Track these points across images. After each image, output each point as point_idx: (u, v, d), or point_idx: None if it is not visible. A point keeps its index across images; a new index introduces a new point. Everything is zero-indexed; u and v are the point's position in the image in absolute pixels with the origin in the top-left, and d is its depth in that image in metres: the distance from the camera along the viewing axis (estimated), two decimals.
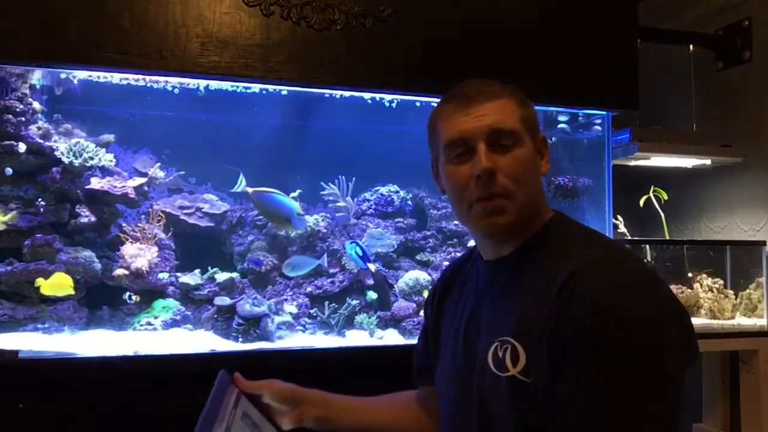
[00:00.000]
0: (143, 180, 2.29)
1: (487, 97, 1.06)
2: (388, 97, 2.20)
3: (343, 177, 2.52)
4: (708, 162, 2.48)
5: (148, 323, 2.07)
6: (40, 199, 2.07)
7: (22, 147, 2.03)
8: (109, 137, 2.26)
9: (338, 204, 2.53)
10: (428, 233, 2.60)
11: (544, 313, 0.95)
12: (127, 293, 2.13)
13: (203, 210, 2.40)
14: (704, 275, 2.42)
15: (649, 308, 0.92)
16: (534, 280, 1.03)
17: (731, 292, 2.44)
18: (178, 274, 2.26)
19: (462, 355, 1.11)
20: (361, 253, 2.27)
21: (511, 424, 0.98)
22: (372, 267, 2.29)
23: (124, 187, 2.21)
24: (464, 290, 1.21)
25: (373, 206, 2.61)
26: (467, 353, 1.10)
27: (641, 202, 2.58)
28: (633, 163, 2.47)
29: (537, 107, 1.15)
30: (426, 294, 2.34)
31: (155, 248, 2.19)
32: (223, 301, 2.12)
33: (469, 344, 1.10)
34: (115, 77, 2.00)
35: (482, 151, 1.03)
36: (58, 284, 1.99)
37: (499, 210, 1.03)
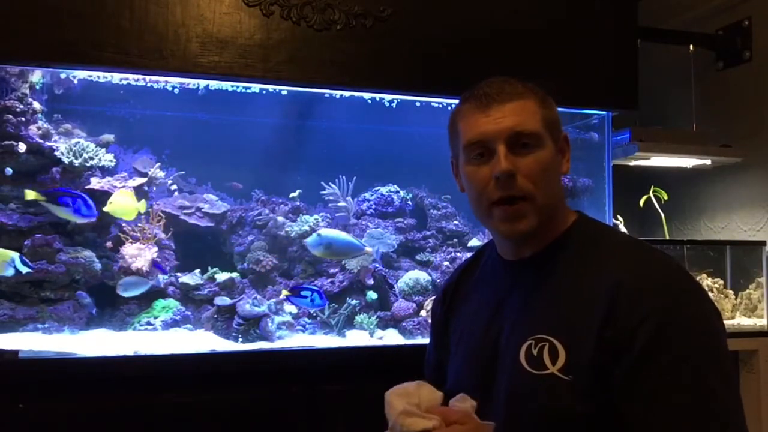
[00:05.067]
0: (143, 180, 2.29)
1: (508, 97, 1.05)
2: (388, 97, 2.20)
3: (343, 177, 2.52)
4: (708, 162, 2.48)
5: (148, 323, 2.06)
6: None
7: (22, 147, 2.02)
8: (109, 137, 2.26)
9: (338, 204, 2.53)
10: (428, 233, 2.60)
11: (593, 313, 0.96)
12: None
13: (203, 210, 2.39)
14: (704, 275, 2.41)
15: (711, 306, 0.98)
16: (572, 280, 1.03)
17: (731, 292, 2.45)
18: (178, 274, 2.26)
19: (482, 353, 1.10)
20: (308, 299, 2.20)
21: (540, 422, 0.98)
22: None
23: (124, 187, 2.21)
24: (478, 290, 1.20)
25: (373, 206, 2.60)
26: (489, 352, 1.09)
27: (641, 202, 2.58)
28: (633, 163, 2.47)
29: None
30: (427, 294, 2.34)
31: (155, 248, 2.18)
32: (223, 301, 2.12)
33: (492, 342, 1.09)
34: (115, 77, 2.00)
35: (502, 153, 1.02)
36: (122, 208, 2.01)
37: (520, 215, 1.03)
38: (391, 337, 2.21)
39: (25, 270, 1.92)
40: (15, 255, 1.91)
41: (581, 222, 1.12)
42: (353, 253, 2.32)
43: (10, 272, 1.91)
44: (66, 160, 2.09)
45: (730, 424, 0.89)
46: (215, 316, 2.11)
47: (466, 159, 1.08)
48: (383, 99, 2.21)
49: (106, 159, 2.19)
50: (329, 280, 2.35)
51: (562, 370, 0.96)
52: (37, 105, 2.11)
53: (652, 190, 2.56)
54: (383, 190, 2.65)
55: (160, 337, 2.01)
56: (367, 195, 2.63)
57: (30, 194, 1.98)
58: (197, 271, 2.28)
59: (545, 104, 1.09)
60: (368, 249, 2.31)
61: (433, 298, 2.05)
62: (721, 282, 2.43)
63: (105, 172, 2.23)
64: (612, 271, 0.98)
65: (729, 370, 0.93)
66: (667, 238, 2.58)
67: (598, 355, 0.93)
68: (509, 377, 1.03)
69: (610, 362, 0.93)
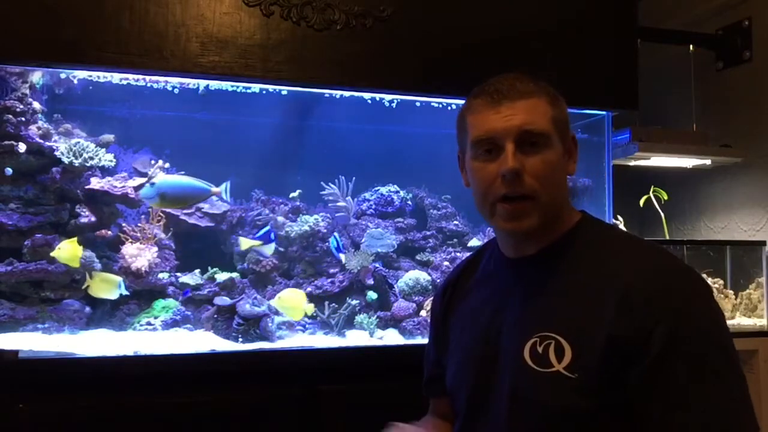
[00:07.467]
0: (143, 180, 2.28)
1: (519, 95, 1.04)
2: (388, 97, 2.20)
3: (343, 177, 2.52)
4: (708, 162, 2.48)
5: (148, 323, 2.06)
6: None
7: (22, 147, 2.02)
8: (109, 137, 2.25)
9: (338, 204, 2.53)
10: (428, 233, 2.60)
11: (601, 313, 0.96)
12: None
13: (203, 210, 2.39)
14: (704, 275, 2.42)
15: (717, 304, 1.00)
16: (578, 279, 1.03)
17: (731, 292, 2.45)
18: (178, 274, 2.26)
19: (482, 350, 1.11)
20: (336, 245, 2.32)
21: (545, 419, 0.98)
22: (342, 257, 2.33)
23: (124, 187, 2.21)
24: (479, 287, 1.20)
25: (373, 206, 2.60)
26: (490, 349, 1.09)
27: (641, 202, 2.58)
28: (633, 163, 2.47)
29: None
30: (427, 294, 2.34)
31: (155, 248, 2.19)
32: (223, 301, 2.12)
33: (492, 339, 1.09)
34: (115, 77, 2.00)
35: (510, 151, 1.02)
36: (69, 256, 1.99)
37: (523, 213, 1.04)
38: (391, 337, 2.21)
39: (125, 292, 2.07)
40: (120, 279, 2.06)
41: (586, 222, 1.13)
42: (199, 197, 2.14)
43: (116, 294, 2.05)
44: (66, 160, 2.09)
45: (746, 423, 0.93)
46: (215, 316, 2.11)
47: (473, 155, 1.08)
48: (383, 99, 2.21)
49: (106, 159, 2.19)
50: (329, 280, 2.35)
51: (568, 368, 0.97)
52: (37, 105, 2.11)
53: (652, 190, 2.56)
54: (383, 190, 2.64)
55: (160, 337, 2.01)
56: (367, 195, 2.63)
57: (245, 243, 2.14)
58: (197, 271, 2.28)
59: (556, 104, 1.08)
60: (215, 189, 2.12)
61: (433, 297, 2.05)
62: (721, 282, 2.43)
63: (105, 172, 2.23)
64: (622, 272, 0.99)
65: (740, 365, 0.96)
66: (667, 238, 2.58)
67: (607, 355, 0.94)
68: (512, 375, 1.03)
69: (619, 363, 0.94)
